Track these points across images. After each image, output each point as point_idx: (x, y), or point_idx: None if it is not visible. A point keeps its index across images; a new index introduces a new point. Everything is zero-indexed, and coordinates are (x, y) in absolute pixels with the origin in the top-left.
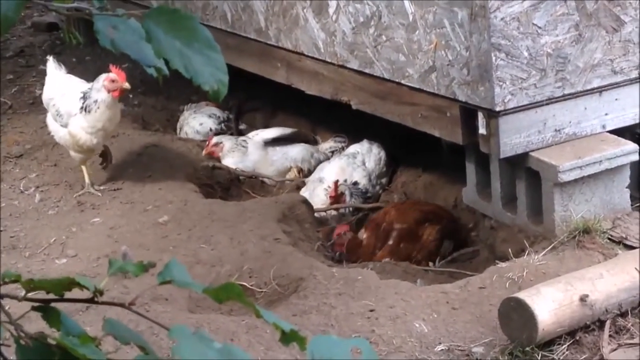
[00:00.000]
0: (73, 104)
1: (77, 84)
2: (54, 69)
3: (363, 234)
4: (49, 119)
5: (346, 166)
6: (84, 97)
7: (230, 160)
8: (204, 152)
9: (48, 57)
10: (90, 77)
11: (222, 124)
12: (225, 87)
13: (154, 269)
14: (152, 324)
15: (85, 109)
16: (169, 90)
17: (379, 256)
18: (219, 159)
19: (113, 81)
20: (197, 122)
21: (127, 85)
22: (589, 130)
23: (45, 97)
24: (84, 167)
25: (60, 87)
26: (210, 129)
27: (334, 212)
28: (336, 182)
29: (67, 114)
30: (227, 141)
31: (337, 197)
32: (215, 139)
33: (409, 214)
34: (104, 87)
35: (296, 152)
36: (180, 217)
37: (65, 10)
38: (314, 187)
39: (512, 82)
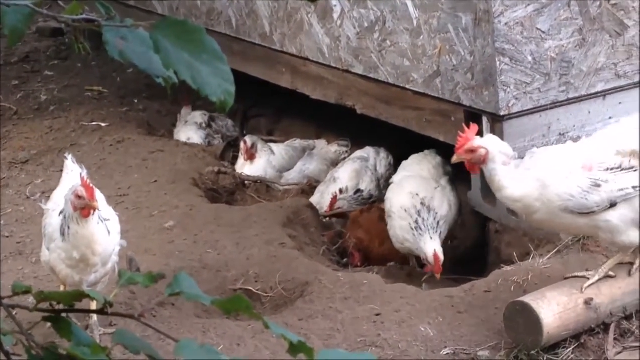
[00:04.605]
0: (56, 221)
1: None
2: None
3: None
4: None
5: (360, 169)
6: (63, 212)
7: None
8: (245, 158)
9: (67, 155)
10: (96, 82)
11: (207, 130)
12: (232, 98)
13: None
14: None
15: (62, 232)
16: (175, 96)
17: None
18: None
19: (80, 197)
20: (185, 136)
21: (95, 204)
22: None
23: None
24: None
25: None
26: (195, 142)
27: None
28: (335, 197)
29: (50, 236)
30: (258, 142)
31: (332, 209)
32: (248, 141)
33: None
34: (70, 202)
35: (313, 167)
36: (186, 222)
37: (74, 22)
38: (327, 186)
39: (517, 86)
